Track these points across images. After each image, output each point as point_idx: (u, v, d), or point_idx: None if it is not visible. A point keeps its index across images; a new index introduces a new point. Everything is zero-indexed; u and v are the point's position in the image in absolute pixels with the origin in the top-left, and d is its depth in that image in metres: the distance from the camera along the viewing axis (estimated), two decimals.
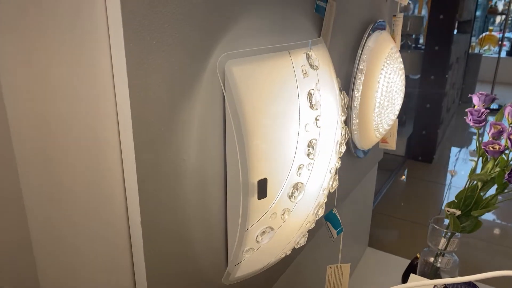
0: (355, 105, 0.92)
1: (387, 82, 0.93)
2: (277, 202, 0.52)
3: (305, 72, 0.53)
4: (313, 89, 0.54)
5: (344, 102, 0.67)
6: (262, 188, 0.49)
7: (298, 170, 0.53)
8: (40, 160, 0.33)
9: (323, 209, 0.64)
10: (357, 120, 0.94)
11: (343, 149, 0.64)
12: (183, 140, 0.44)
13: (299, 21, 0.64)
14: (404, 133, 2.90)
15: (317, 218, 0.64)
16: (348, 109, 0.92)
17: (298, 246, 0.63)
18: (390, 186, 2.51)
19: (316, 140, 0.54)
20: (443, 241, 1.06)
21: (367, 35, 0.92)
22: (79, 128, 0.36)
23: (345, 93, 0.68)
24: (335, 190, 0.81)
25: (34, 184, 0.33)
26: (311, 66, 0.55)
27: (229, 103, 0.46)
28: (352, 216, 1.29)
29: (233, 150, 0.50)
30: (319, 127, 0.56)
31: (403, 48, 3.25)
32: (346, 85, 0.90)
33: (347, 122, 0.93)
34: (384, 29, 1.02)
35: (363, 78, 0.90)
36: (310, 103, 0.53)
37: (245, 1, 0.50)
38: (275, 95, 0.50)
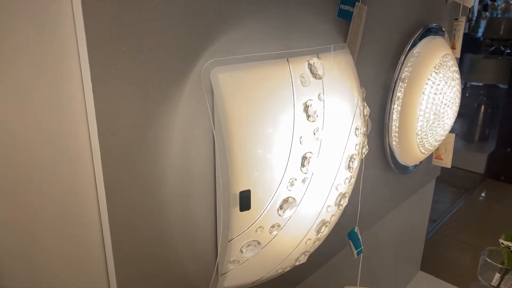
0: (394, 117, 0.85)
1: (433, 93, 0.84)
2: (264, 216, 0.50)
3: (304, 81, 0.50)
4: (311, 100, 0.50)
5: (364, 113, 0.62)
6: (245, 200, 0.48)
7: (289, 184, 0.50)
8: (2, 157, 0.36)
9: (328, 227, 0.60)
10: (397, 134, 0.86)
11: (354, 164, 0.59)
12: (162, 146, 0.45)
13: (317, 26, 0.60)
14: (484, 149, 2.61)
15: (320, 236, 0.60)
16: (386, 121, 0.85)
17: (298, 263, 0.60)
18: (462, 206, 2.27)
19: (311, 153, 0.51)
20: (496, 277, 0.92)
21: (413, 40, 0.84)
22: (48, 131, 0.38)
23: (365, 104, 0.63)
24: (359, 206, 0.75)
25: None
26: (314, 75, 0.52)
27: (213, 110, 0.46)
28: (399, 236, 1.19)
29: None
30: (319, 140, 0.52)
31: (494, 54, 2.91)
32: (385, 94, 0.83)
33: (384, 135, 0.87)
34: (440, 34, 0.92)
35: (404, 88, 0.83)
36: (307, 114, 0.50)
37: (246, 4, 0.49)
38: (265, 105, 0.48)
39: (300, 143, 0.50)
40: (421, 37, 0.86)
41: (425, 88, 0.83)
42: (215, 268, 0.53)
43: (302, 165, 0.51)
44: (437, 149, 1.09)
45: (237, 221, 0.49)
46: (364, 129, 0.63)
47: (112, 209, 0.41)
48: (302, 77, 0.50)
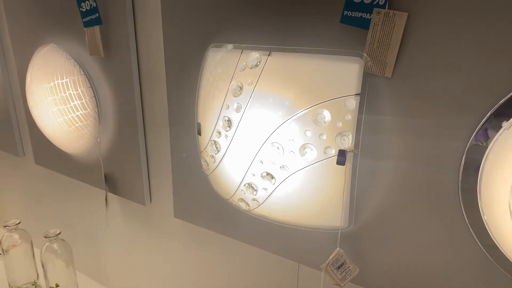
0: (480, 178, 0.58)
1: None
2: (208, 146, 0.78)
3: (241, 68, 0.69)
4: (241, 82, 0.69)
5: (326, 120, 0.63)
6: (198, 128, 0.79)
7: (218, 133, 0.74)
8: None
9: (264, 190, 0.72)
10: (482, 200, 0.59)
11: (279, 148, 0.66)
12: (189, 86, 0.85)
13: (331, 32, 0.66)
14: None
15: (257, 197, 0.74)
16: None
17: (245, 208, 0.78)
18: None
19: (229, 117, 0.71)
20: None
21: None
22: None
23: (347, 116, 0.62)
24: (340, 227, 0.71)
25: None
26: (252, 66, 0.68)
27: (201, 73, 0.79)
28: None
29: None
30: (240, 112, 0.69)
31: None
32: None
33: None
34: None
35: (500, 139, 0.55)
36: (235, 91, 0.70)
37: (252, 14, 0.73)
38: (218, 76, 0.74)
39: (226, 108, 0.72)
40: None
41: None
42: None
43: (227, 123, 0.72)
44: None
45: (200, 139, 0.81)
46: (323, 134, 0.64)
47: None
48: (243, 64, 0.69)
